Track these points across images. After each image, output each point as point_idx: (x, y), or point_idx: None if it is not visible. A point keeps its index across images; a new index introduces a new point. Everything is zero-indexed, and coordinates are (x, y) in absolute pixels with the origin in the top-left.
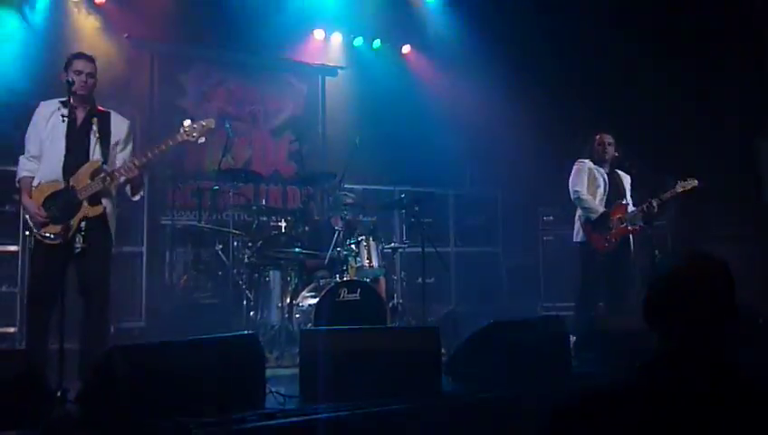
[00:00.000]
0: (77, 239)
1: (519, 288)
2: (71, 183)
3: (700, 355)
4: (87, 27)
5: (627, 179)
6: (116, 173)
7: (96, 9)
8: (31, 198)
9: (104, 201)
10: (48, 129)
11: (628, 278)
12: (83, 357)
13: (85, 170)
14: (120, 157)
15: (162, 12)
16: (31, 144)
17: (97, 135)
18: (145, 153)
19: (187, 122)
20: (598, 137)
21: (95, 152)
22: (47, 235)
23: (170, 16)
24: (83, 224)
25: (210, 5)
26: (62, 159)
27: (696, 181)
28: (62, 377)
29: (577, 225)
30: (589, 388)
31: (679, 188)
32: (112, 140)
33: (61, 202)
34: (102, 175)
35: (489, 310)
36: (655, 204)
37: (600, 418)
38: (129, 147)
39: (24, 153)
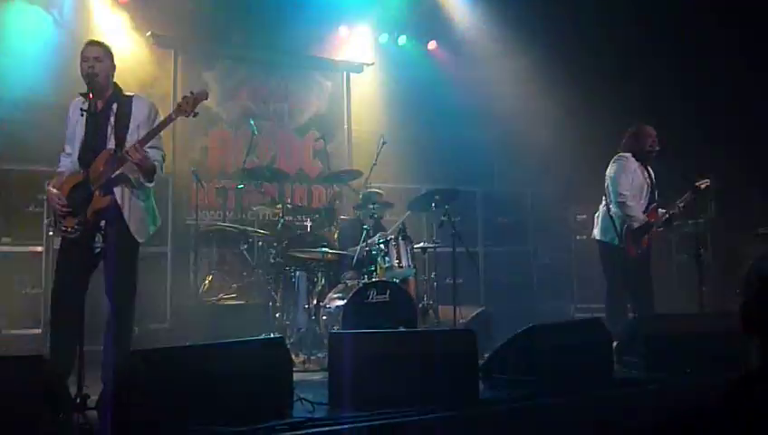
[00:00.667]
0: (97, 238)
1: (550, 288)
2: (86, 174)
3: None
4: (111, 26)
5: (653, 176)
6: (120, 157)
7: (120, 8)
8: (54, 190)
9: (116, 191)
10: (73, 124)
11: (651, 281)
12: (105, 360)
13: (99, 159)
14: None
15: (186, 10)
16: (66, 141)
17: (114, 122)
18: (147, 134)
19: (181, 98)
20: (646, 129)
21: (111, 140)
22: (66, 229)
23: (194, 15)
24: (102, 222)
25: (234, 3)
26: (79, 150)
27: (708, 181)
28: (82, 382)
29: (606, 223)
30: (684, 402)
31: (698, 187)
32: (132, 124)
33: (78, 194)
34: (111, 160)
35: (520, 311)
36: (680, 206)
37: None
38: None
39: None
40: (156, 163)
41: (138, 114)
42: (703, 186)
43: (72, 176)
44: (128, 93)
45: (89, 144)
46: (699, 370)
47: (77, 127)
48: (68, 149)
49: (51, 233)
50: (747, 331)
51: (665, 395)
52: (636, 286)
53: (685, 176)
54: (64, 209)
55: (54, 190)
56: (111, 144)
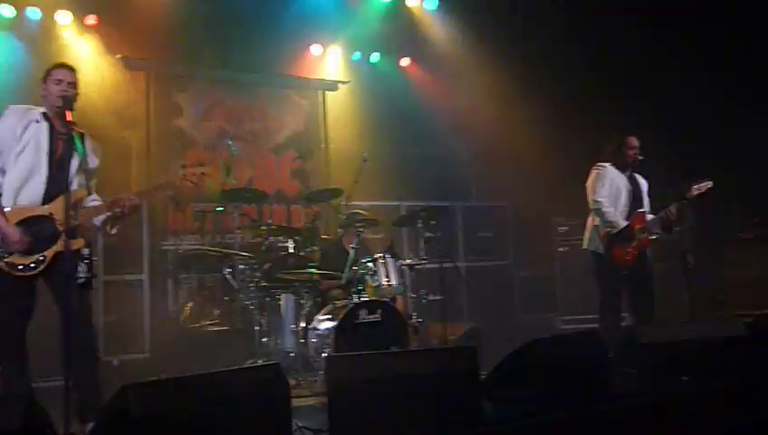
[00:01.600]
0: (80, 268)
1: (532, 301)
2: (50, 211)
3: None
4: (80, 49)
5: (644, 185)
6: (115, 205)
7: (89, 31)
8: (7, 221)
9: (82, 234)
10: (23, 142)
11: (651, 290)
12: (82, 396)
13: (71, 200)
14: (92, 186)
15: (156, 32)
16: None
17: (78, 159)
18: (148, 189)
19: (187, 168)
20: (627, 139)
21: (75, 180)
22: (15, 265)
23: (165, 36)
24: (87, 251)
25: (204, 24)
26: (45, 184)
27: (711, 183)
28: (69, 420)
29: (591, 233)
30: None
31: (695, 192)
32: (90, 163)
33: (35, 231)
34: (88, 208)
35: (503, 325)
36: (673, 210)
37: None
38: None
39: None
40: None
41: (94, 157)
42: (704, 189)
43: (23, 208)
44: (79, 129)
45: (54, 176)
46: (697, 377)
47: (32, 147)
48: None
49: None
50: None
51: (663, 405)
52: (634, 296)
53: (677, 183)
54: (25, 248)
55: (9, 225)
56: (76, 186)
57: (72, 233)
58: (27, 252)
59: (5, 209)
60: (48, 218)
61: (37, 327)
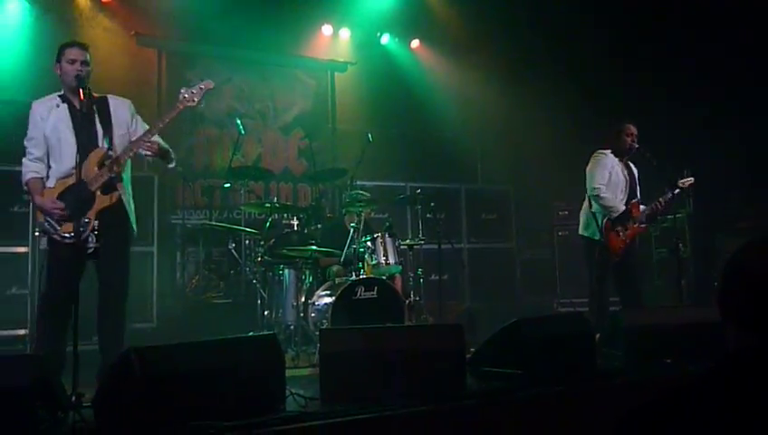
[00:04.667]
0: (90, 239)
1: (534, 284)
2: (81, 177)
3: None
4: (94, 26)
5: (635, 173)
6: (122, 157)
7: (102, 7)
8: (43, 196)
9: (119, 188)
10: (50, 126)
11: (639, 276)
12: (104, 358)
13: (91, 160)
14: (135, 136)
15: (169, 9)
16: (33, 146)
17: (100, 122)
18: (152, 128)
19: (183, 89)
20: (626, 127)
21: (102, 140)
22: (64, 235)
23: (177, 14)
24: (96, 222)
25: (217, 2)
26: (75, 153)
27: (692, 178)
28: (77, 381)
29: (587, 218)
30: (655, 389)
31: (681, 185)
32: (115, 123)
33: (73, 198)
34: (109, 162)
35: (504, 306)
36: (663, 202)
37: (680, 420)
38: (139, 123)
39: (25, 155)
40: (165, 145)
41: (120, 113)
42: (686, 184)
43: (60, 181)
44: (97, 95)
45: (82, 146)
46: (679, 360)
47: (57, 128)
48: (36, 152)
49: (36, 234)
50: (724, 319)
51: (646, 385)
52: (621, 282)
53: (667, 175)
54: (64, 213)
55: (47, 199)
56: (103, 145)
57: (106, 189)
58: (72, 219)
59: (51, 187)
60: (80, 184)
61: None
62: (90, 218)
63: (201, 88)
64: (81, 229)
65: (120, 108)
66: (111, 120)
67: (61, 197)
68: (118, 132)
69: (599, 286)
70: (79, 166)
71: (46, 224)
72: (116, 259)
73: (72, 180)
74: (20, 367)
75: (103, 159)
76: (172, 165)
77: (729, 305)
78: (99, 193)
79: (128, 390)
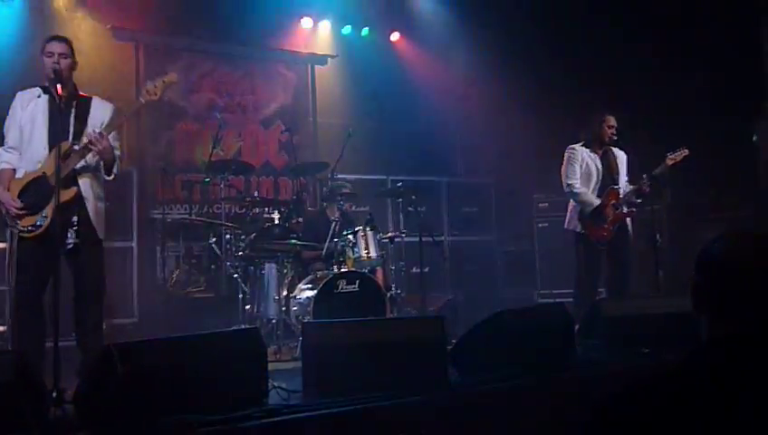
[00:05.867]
0: (69, 235)
1: (515, 276)
2: (43, 170)
3: (763, 339)
4: (71, 19)
5: (622, 157)
6: (82, 148)
7: (80, 0)
8: (9, 190)
9: (81, 182)
10: (27, 116)
11: (627, 263)
12: (84, 354)
13: (54, 154)
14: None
15: (147, 3)
16: (9, 135)
17: (74, 119)
18: (111, 121)
19: (147, 82)
20: (605, 118)
21: (71, 135)
22: (24, 228)
23: (155, 7)
24: (75, 218)
25: None
26: (47, 146)
27: (687, 150)
28: (58, 377)
29: (570, 213)
30: (633, 377)
31: (669, 161)
32: (90, 123)
33: (34, 191)
34: (71, 154)
35: (486, 298)
36: (647, 180)
37: (654, 410)
38: (114, 132)
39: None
40: (116, 154)
41: (99, 115)
42: (679, 157)
43: (28, 173)
44: (84, 94)
45: (52, 139)
46: (657, 349)
47: (33, 120)
48: (11, 141)
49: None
50: (697, 310)
51: (624, 374)
52: (606, 269)
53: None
54: (20, 212)
55: (7, 194)
56: (69, 139)
57: (66, 183)
58: (31, 213)
59: (18, 178)
60: (42, 178)
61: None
62: (47, 214)
63: (164, 81)
64: (39, 223)
65: (100, 109)
66: (87, 118)
67: (25, 189)
68: (89, 132)
69: (585, 279)
70: (45, 159)
71: (7, 217)
72: (88, 256)
73: (35, 173)
74: (2, 363)
75: (67, 152)
76: (110, 178)
77: (701, 297)
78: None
79: (109, 385)
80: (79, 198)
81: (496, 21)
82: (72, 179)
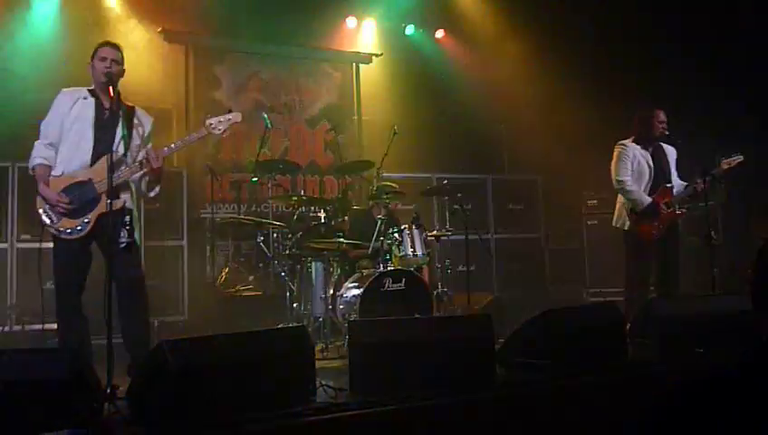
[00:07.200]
0: (122, 234)
1: (562, 274)
2: (89, 176)
3: None
4: (121, 21)
5: (672, 153)
6: (137, 164)
7: (131, 4)
8: (48, 186)
9: (123, 195)
10: (72, 117)
11: (677, 263)
12: (133, 354)
13: (104, 162)
14: (143, 153)
15: (195, 5)
16: (50, 131)
17: (123, 129)
18: (168, 145)
19: (209, 121)
20: (655, 113)
21: (119, 146)
22: (64, 229)
23: (203, 9)
24: (128, 218)
25: None
26: (91, 150)
27: (742, 157)
28: (111, 373)
29: (620, 210)
30: (691, 376)
31: (725, 166)
32: (135, 135)
33: (79, 195)
34: (123, 167)
35: (533, 297)
36: (701, 183)
37: (717, 409)
38: (151, 144)
39: (38, 139)
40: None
41: (143, 126)
42: (733, 163)
43: (68, 176)
44: (128, 103)
45: (98, 145)
46: (711, 349)
47: (78, 121)
48: (51, 137)
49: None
50: (757, 308)
51: (677, 374)
52: (656, 269)
53: (702, 162)
54: (69, 207)
55: (52, 191)
56: (119, 149)
57: (113, 194)
58: (72, 216)
59: (57, 176)
60: (88, 183)
61: (94, 286)
62: (89, 219)
63: (229, 119)
64: (79, 228)
65: (144, 121)
66: (133, 130)
67: (66, 190)
68: (134, 143)
69: (636, 277)
70: (92, 164)
71: (44, 215)
72: (128, 258)
73: (81, 176)
74: (56, 360)
75: (117, 164)
76: (151, 195)
77: (762, 294)
78: (104, 196)
79: (161, 381)
80: (123, 210)
81: (543, 17)
82: (117, 191)
